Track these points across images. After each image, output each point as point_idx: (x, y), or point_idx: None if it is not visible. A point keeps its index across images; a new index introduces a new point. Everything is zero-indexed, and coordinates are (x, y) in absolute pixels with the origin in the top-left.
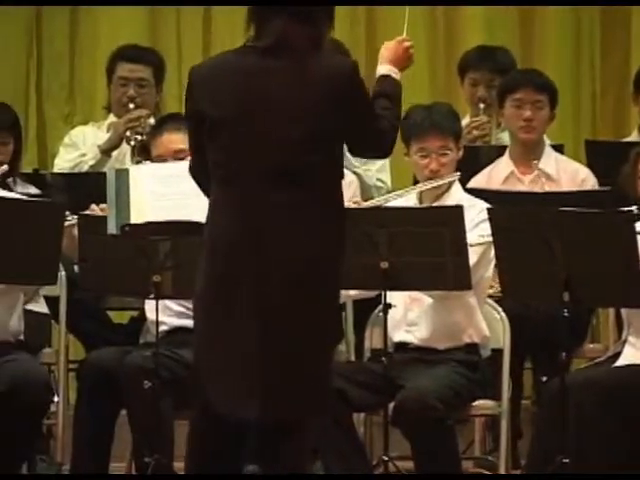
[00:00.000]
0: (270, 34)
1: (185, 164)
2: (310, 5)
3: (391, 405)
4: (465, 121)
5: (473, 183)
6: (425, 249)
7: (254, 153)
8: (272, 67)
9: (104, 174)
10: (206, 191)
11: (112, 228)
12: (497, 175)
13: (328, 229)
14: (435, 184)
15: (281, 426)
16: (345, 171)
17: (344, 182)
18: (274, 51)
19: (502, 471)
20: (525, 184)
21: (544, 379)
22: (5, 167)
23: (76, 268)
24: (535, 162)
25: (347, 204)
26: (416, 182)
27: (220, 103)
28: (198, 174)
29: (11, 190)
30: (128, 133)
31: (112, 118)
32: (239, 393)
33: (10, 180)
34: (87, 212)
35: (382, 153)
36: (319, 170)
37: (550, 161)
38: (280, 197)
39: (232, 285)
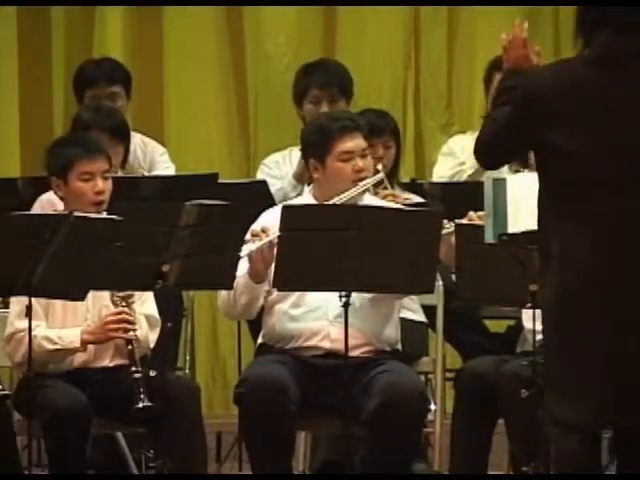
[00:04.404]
0: (596, 46)
1: None
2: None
3: None
4: None
5: None
6: None
7: (602, 164)
8: (606, 78)
9: (481, 183)
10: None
11: (489, 237)
12: None
13: None
14: None
15: None
16: None
17: None
18: (602, 63)
19: None
20: None
21: None
22: (381, 175)
23: (453, 277)
24: None
25: None
26: None
27: (565, 115)
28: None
29: None
30: None
31: None
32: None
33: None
34: (464, 220)
35: None
36: None
37: None
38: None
39: (585, 300)
